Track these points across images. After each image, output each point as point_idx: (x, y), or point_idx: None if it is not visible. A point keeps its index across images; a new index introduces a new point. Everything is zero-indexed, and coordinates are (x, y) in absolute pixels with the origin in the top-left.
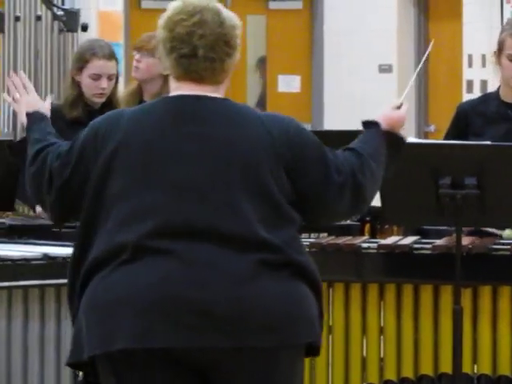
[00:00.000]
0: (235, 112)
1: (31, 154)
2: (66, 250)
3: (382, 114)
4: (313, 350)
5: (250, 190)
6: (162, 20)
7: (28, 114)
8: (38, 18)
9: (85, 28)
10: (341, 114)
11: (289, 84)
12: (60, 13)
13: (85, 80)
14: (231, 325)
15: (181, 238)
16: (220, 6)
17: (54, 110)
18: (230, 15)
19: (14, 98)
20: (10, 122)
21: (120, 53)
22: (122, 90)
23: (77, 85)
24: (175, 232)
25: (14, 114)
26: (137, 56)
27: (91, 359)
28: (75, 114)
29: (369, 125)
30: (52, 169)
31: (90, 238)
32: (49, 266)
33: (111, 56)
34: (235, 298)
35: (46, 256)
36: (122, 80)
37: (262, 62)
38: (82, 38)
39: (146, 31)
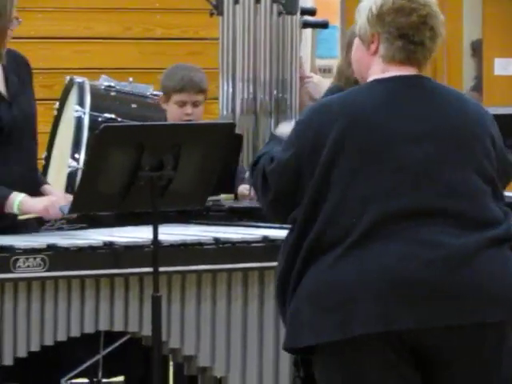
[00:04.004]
0: (447, 91)
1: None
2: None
3: None
4: None
5: (474, 168)
6: None
7: None
8: (257, 1)
9: (313, 12)
10: None
11: (505, 67)
12: None
13: None
14: (463, 302)
15: (411, 220)
16: None
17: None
18: (435, 5)
19: None
20: (228, 104)
21: (337, 35)
22: None
23: None
24: (405, 214)
25: (233, 97)
26: None
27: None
28: None
29: None
30: (266, 172)
31: (312, 221)
32: (268, 248)
33: None
34: (465, 276)
35: (265, 238)
36: None
37: (477, 45)
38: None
39: None
